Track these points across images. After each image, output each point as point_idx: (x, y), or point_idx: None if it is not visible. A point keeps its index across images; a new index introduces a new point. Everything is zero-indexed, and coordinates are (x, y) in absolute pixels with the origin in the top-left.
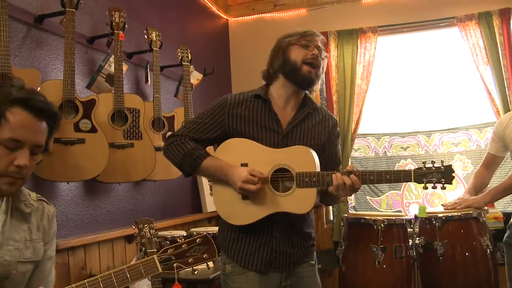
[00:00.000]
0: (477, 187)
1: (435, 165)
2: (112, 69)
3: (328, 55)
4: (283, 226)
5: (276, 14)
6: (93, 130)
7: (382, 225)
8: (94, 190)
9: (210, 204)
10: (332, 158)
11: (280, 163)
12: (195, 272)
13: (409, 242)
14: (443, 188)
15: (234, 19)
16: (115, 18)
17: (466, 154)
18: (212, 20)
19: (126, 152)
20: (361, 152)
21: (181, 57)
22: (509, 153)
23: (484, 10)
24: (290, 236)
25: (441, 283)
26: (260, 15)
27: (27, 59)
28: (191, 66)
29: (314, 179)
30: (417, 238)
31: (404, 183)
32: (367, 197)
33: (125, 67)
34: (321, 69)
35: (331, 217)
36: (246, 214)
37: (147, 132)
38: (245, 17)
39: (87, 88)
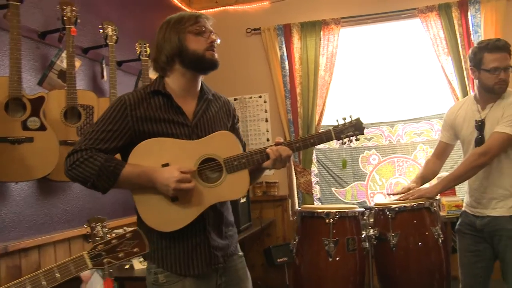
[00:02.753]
0: (425, 176)
1: (347, 120)
2: (65, 65)
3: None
4: (213, 218)
5: (239, 7)
6: (42, 128)
7: (334, 218)
8: (49, 189)
9: None
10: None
11: (204, 153)
12: (127, 267)
13: (362, 234)
14: (357, 140)
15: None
16: (66, 12)
17: (429, 143)
18: (173, 13)
19: None
20: (325, 143)
21: (139, 52)
22: (459, 142)
23: (444, 1)
24: (219, 228)
25: (395, 273)
26: (224, 7)
27: None
28: (150, 61)
29: (244, 161)
30: (372, 230)
31: (368, 177)
32: (332, 188)
33: (78, 63)
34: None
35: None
36: (180, 216)
37: None
38: (208, 10)
39: (39, 85)
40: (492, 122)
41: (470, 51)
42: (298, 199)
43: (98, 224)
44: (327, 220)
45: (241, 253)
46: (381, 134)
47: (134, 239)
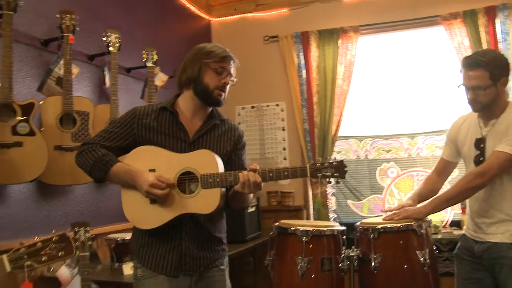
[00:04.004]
0: (423, 194)
1: (329, 160)
2: (63, 72)
3: (235, 80)
4: (191, 229)
5: (258, 14)
6: (31, 133)
7: (308, 236)
8: (49, 192)
9: None
10: (237, 167)
11: (186, 166)
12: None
13: (341, 254)
14: (337, 182)
15: (217, 19)
16: (65, 21)
17: None
18: (192, 21)
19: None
20: (343, 154)
21: (146, 59)
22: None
23: (470, 8)
24: (199, 240)
25: None
26: (242, 15)
27: None
28: (157, 68)
29: (218, 179)
30: (355, 250)
31: (385, 191)
32: (348, 201)
33: (76, 70)
34: (227, 92)
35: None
36: (154, 217)
37: None
38: (228, 17)
39: (38, 91)
40: (494, 140)
41: None
42: (313, 210)
43: (81, 228)
44: (301, 238)
45: (223, 267)
46: (400, 146)
47: (60, 242)
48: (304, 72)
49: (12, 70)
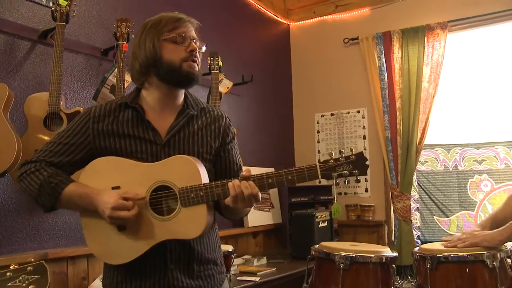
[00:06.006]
0: (500, 218)
1: (344, 154)
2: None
3: (204, 47)
4: (177, 255)
5: (338, 16)
6: None
7: (346, 262)
8: None
9: (252, 219)
10: (229, 166)
11: (159, 179)
12: None
13: (391, 286)
14: (357, 181)
15: (296, 23)
16: (121, 28)
17: None
18: (270, 26)
19: None
20: (428, 165)
21: (210, 65)
22: None
23: None
24: (189, 266)
25: None
26: (322, 17)
27: (30, 74)
28: (221, 74)
29: (202, 193)
30: (411, 281)
31: (477, 207)
32: (434, 217)
33: (130, 78)
34: (200, 63)
35: (393, 238)
36: (126, 249)
37: None
38: (307, 21)
39: (94, 99)
40: None
41: None
42: (394, 226)
43: None
44: (339, 265)
45: None
46: (495, 157)
47: (34, 274)
48: (386, 75)
49: (61, 79)
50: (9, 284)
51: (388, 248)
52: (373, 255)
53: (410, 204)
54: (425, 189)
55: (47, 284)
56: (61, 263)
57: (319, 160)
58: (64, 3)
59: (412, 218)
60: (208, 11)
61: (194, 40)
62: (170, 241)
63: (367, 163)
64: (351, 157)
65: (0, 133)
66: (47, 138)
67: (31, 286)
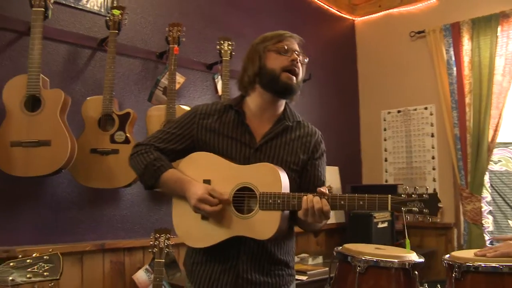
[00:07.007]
0: None
1: (417, 192)
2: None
3: (306, 60)
4: (251, 249)
5: (404, 9)
6: (126, 141)
7: (363, 266)
8: (155, 197)
9: None
10: (312, 181)
11: (244, 181)
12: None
13: None
14: (429, 220)
15: (361, 18)
16: (172, 32)
17: None
18: (334, 23)
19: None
20: (502, 165)
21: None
22: None
23: None
24: (260, 263)
25: None
26: (387, 11)
27: (90, 78)
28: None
29: (279, 201)
30: None
31: None
32: (509, 221)
33: (182, 79)
34: (301, 75)
35: (462, 241)
36: (204, 236)
37: None
38: (372, 15)
39: (148, 101)
40: None
41: None
42: (464, 230)
43: (162, 235)
44: (356, 268)
45: None
46: None
47: (49, 263)
48: (454, 69)
49: (113, 83)
50: (28, 269)
51: (414, 253)
52: (395, 260)
53: (481, 206)
54: (498, 190)
55: (59, 272)
56: (118, 253)
57: (393, 193)
58: (117, 12)
59: (483, 221)
60: (270, 12)
61: (296, 52)
62: (245, 237)
63: (439, 204)
64: (424, 195)
65: (55, 135)
66: (101, 137)
67: (46, 273)
